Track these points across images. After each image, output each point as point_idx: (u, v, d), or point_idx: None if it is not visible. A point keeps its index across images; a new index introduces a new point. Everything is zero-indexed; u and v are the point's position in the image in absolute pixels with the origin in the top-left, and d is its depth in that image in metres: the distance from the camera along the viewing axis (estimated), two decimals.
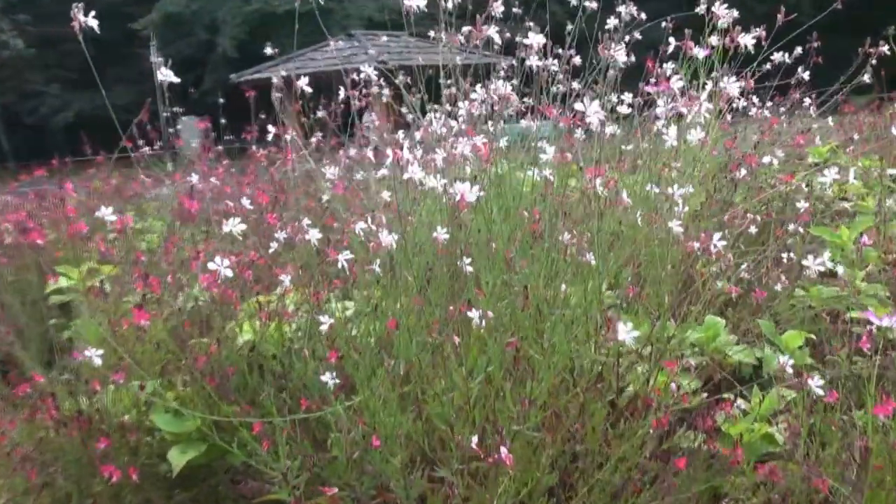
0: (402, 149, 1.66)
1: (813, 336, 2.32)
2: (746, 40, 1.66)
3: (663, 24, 3.23)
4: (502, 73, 3.19)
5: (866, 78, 3.35)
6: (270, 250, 2.14)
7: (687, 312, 2.17)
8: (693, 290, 2.29)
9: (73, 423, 1.99)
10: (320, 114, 3.52)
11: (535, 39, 1.82)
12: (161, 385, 2.21)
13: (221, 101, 6.80)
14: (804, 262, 1.77)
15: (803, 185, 2.98)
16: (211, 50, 25.00)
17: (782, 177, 3.10)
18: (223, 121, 6.02)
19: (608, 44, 1.65)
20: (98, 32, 1.55)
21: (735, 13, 2.12)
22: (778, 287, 2.41)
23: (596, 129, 1.82)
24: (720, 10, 1.73)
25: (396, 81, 3.60)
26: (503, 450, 1.41)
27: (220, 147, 4.53)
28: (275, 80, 3.64)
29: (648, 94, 2.45)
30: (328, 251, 2.10)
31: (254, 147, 4.19)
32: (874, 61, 3.10)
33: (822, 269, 1.73)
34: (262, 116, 4.34)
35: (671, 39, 2.17)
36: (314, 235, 1.76)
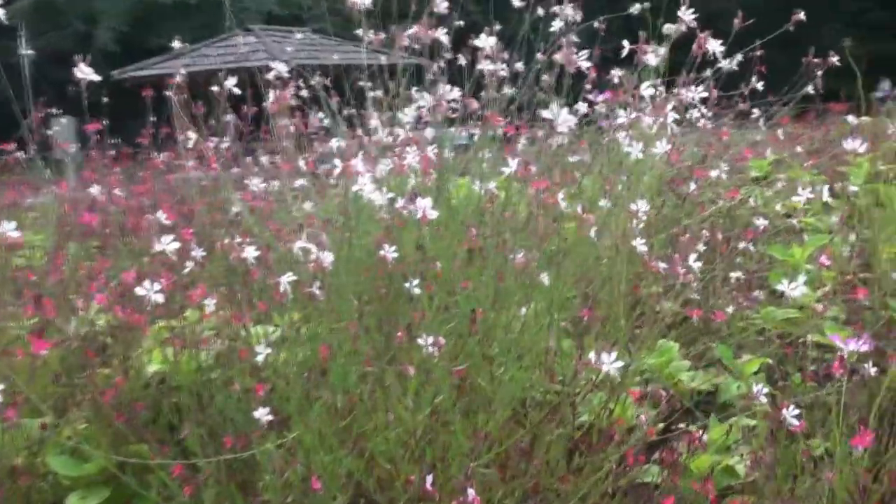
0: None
1: (769, 360, 2.38)
2: (714, 47, 1.69)
3: (595, 24, 3.28)
4: (432, 75, 3.19)
5: (809, 89, 3.47)
6: (185, 270, 2.06)
7: (636, 336, 2.20)
8: (642, 311, 2.33)
9: None
10: (229, 117, 3.44)
11: (487, 42, 1.82)
12: (57, 422, 2.12)
13: (105, 100, 6.58)
14: (779, 288, 1.81)
15: (751, 201, 3.06)
16: (88, 43, 24.30)
17: (726, 192, 3.19)
18: (106, 122, 5.83)
19: (569, 50, 1.66)
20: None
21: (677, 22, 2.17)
22: (730, 309, 2.47)
23: (548, 138, 1.84)
24: (685, 14, 1.76)
25: (314, 82, 3.56)
26: (470, 491, 1.39)
27: (111, 152, 4.38)
28: (178, 78, 3.56)
29: (593, 102, 2.48)
30: (252, 271, 2.05)
31: (152, 154, 4.06)
32: (820, 72, 3.22)
33: (795, 293, 1.77)
34: (154, 119, 4.22)
35: (625, 43, 2.20)
36: (251, 253, 1.71)
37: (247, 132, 3.44)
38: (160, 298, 1.53)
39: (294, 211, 2.78)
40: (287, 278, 1.67)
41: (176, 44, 3.79)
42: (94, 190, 2.35)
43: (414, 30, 1.92)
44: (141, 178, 4.53)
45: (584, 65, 1.70)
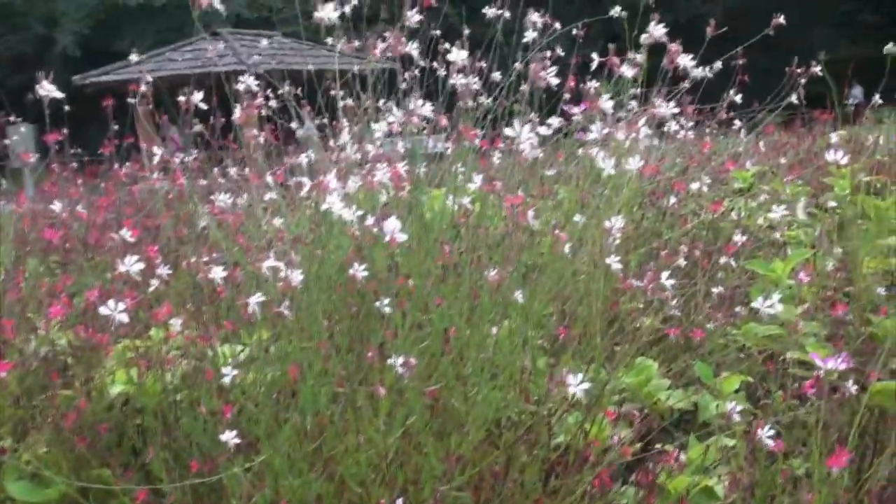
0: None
1: (749, 378, 2.42)
2: (686, 62, 1.74)
3: (574, 31, 3.33)
4: (404, 83, 3.23)
5: (793, 98, 3.55)
6: (150, 288, 2.09)
7: (615, 354, 2.24)
8: (620, 328, 2.37)
9: None
10: (197, 128, 3.46)
11: (458, 56, 1.86)
12: (16, 446, 2.13)
13: (67, 108, 6.57)
14: (754, 305, 1.86)
15: (733, 214, 3.12)
16: (48, 47, 24.19)
17: (709, 205, 3.24)
18: (67, 130, 5.81)
19: (540, 65, 1.70)
20: None
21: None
22: (710, 325, 2.51)
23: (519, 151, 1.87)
24: (657, 30, 1.82)
25: (283, 91, 3.59)
26: None
27: (73, 163, 4.39)
28: (143, 86, 3.58)
29: (571, 115, 2.52)
30: (219, 289, 2.08)
31: (115, 164, 4.08)
32: (803, 80, 3.29)
33: (771, 311, 1.82)
34: (117, 127, 4.23)
35: (594, 56, 2.25)
36: (218, 274, 1.73)
37: (215, 142, 3.46)
38: (124, 318, 1.56)
39: (263, 225, 2.80)
40: (257, 299, 1.70)
41: (133, 57, 3.81)
42: (56, 206, 2.36)
43: (387, 43, 1.96)
44: (104, 190, 4.53)
45: (553, 81, 1.73)
